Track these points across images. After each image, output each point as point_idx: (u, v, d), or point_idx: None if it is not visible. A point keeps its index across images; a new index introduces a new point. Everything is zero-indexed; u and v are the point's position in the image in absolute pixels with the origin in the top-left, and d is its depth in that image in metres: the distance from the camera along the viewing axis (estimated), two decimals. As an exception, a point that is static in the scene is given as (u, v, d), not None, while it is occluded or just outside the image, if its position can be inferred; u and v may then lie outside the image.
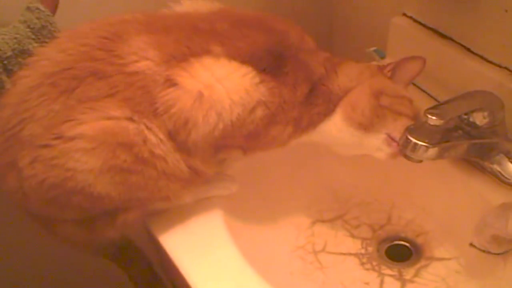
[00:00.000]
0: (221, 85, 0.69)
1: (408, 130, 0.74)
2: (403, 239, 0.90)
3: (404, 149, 0.74)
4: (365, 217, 0.93)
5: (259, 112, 0.71)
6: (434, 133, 0.73)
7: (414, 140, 0.73)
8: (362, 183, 0.95)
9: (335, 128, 0.77)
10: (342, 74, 0.77)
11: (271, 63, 0.72)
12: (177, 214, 0.78)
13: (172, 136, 0.69)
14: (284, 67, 0.73)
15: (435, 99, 0.92)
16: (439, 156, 0.74)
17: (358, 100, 0.76)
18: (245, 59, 0.71)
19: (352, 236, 0.91)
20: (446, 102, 0.75)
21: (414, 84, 0.94)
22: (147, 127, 0.67)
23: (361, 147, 0.79)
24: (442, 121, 0.71)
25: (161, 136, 0.68)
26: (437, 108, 0.73)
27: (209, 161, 0.74)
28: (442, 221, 0.89)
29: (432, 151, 0.73)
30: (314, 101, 0.75)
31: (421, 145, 0.72)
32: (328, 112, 0.76)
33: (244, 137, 0.73)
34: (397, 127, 0.76)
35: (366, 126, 0.76)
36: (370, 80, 0.78)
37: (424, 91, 0.94)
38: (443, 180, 0.88)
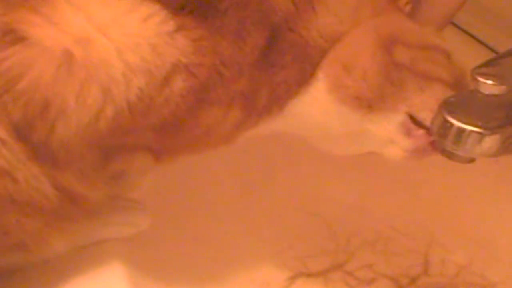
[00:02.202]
0: (105, 37, 0.68)
1: (446, 105, 0.73)
2: None
3: (441, 140, 0.74)
4: (383, 265, 0.94)
5: (178, 84, 0.70)
6: (491, 109, 0.73)
7: (457, 124, 0.72)
8: (376, 203, 0.96)
9: (317, 108, 0.78)
10: (324, 10, 0.77)
11: (196, -4, 0.73)
12: (42, 274, 0.78)
13: (22, 133, 0.68)
14: (219, 2, 0.72)
15: (493, 50, 0.92)
16: (503, 149, 0.73)
17: (356, 55, 0.77)
18: (148, -10, 0.71)
19: None
20: (510, 55, 0.76)
21: (454, 24, 0.94)
22: (-27, 119, 0.67)
23: (362, 140, 0.79)
24: (504, 88, 0.71)
25: (2, 133, 0.67)
26: (494, 65, 0.73)
27: (94, 177, 0.74)
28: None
29: (491, 142, 0.72)
30: (277, 61, 0.75)
31: (471, 131, 0.72)
32: (303, 79, 0.77)
33: (155, 130, 0.73)
34: (425, 101, 0.77)
35: (370, 102, 0.76)
36: (374, 20, 0.78)
37: (472, 35, 0.94)
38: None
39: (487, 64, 0.73)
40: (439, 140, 0.74)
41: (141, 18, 0.69)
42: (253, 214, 0.95)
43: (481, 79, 0.71)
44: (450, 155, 0.75)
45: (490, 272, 0.92)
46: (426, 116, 0.77)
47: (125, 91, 0.68)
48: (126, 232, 0.82)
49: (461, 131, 0.72)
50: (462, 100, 0.74)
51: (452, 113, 0.72)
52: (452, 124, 0.72)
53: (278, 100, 0.77)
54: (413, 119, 0.78)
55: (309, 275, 0.94)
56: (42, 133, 0.68)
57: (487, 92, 0.71)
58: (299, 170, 0.95)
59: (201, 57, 0.71)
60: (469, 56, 0.85)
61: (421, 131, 0.77)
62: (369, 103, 0.76)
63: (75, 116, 0.67)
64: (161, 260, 0.85)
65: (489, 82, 0.71)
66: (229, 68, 0.72)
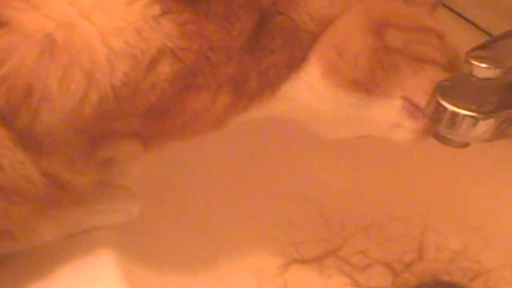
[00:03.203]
0: (88, 21, 0.67)
1: (440, 89, 0.73)
2: (448, 286, 0.91)
3: (434, 124, 0.73)
4: (377, 250, 0.94)
5: (165, 69, 0.69)
6: (486, 93, 0.72)
7: (451, 108, 0.71)
8: (370, 189, 0.95)
9: (310, 92, 0.77)
10: None
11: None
12: (30, 263, 0.77)
13: (6, 119, 0.67)
14: None
15: (487, 33, 0.92)
16: (498, 134, 0.73)
17: (347, 38, 0.76)
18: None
19: (356, 285, 0.91)
20: (504, 37, 0.75)
21: (447, 7, 0.93)
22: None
23: (361, 124, 0.79)
24: (498, 71, 0.70)
25: (-15, 120, 0.68)
26: (488, 48, 0.72)
27: (81, 164, 0.73)
28: (514, 250, 0.91)
29: (485, 126, 0.72)
30: (266, 45, 0.74)
31: (465, 115, 0.71)
32: (294, 63, 0.76)
33: (141, 115, 0.72)
34: (419, 84, 0.77)
35: (365, 86, 0.76)
36: (366, 2, 0.78)
37: (466, 18, 0.94)
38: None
39: (481, 47, 0.73)
40: (433, 125, 0.74)
41: (125, 1, 0.68)
42: (246, 200, 0.94)
43: (475, 63, 0.70)
44: (444, 140, 0.74)
45: (485, 258, 0.92)
46: (421, 99, 0.76)
47: (109, 76, 0.67)
48: (116, 219, 0.82)
49: (455, 115, 0.71)
50: (456, 84, 0.74)
51: (445, 97, 0.72)
52: (446, 108, 0.71)
53: (269, 84, 0.76)
54: (410, 102, 0.77)
55: (303, 261, 0.93)
56: (26, 119, 0.67)
57: (481, 76, 0.70)
58: (292, 156, 0.95)
59: (188, 42, 0.70)
60: (463, 39, 0.84)
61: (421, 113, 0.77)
62: (366, 86, 0.76)
63: (58, 101, 0.67)
64: (152, 248, 0.85)
65: (484, 65, 0.70)
66: (216, 53, 0.72)
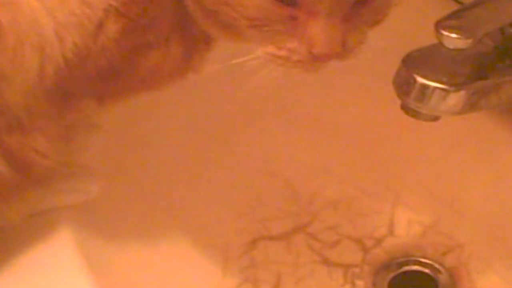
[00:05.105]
0: None
1: (409, 61, 0.73)
2: (419, 262, 0.91)
3: (403, 97, 0.73)
4: (347, 226, 0.94)
5: (111, 27, 0.70)
6: (457, 64, 0.73)
7: (421, 80, 0.72)
8: (339, 163, 0.95)
9: None
10: None
11: None
12: None
13: None
14: None
15: (457, 1, 0.91)
16: (469, 106, 0.73)
17: None
18: None
19: (326, 262, 0.91)
20: (475, 6, 0.75)
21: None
22: None
23: None
24: (470, 42, 0.70)
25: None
26: (459, 17, 0.72)
27: (61, 132, 0.75)
28: (488, 223, 0.90)
29: (456, 99, 0.72)
30: None
31: (435, 87, 0.72)
32: None
33: (91, 79, 0.73)
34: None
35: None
36: None
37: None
38: (485, 152, 0.89)
39: (451, 16, 0.72)
40: (402, 98, 0.74)
41: None
42: (211, 176, 0.94)
43: (445, 33, 0.70)
44: (413, 113, 0.75)
45: (457, 232, 0.92)
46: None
47: (61, 49, 0.68)
48: (76, 199, 0.82)
49: (425, 87, 0.72)
50: (425, 54, 0.74)
51: (415, 69, 0.72)
52: (415, 80, 0.72)
53: None
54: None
55: (270, 238, 0.93)
56: None
57: (451, 46, 0.71)
58: (258, 129, 0.95)
59: None
60: (433, 8, 0.85)
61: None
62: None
63: (17, 80, 0.68)
64: (112, 227, 0.85)
65: (454, 35, 0.70)
66: (155, 3, 0.72)
